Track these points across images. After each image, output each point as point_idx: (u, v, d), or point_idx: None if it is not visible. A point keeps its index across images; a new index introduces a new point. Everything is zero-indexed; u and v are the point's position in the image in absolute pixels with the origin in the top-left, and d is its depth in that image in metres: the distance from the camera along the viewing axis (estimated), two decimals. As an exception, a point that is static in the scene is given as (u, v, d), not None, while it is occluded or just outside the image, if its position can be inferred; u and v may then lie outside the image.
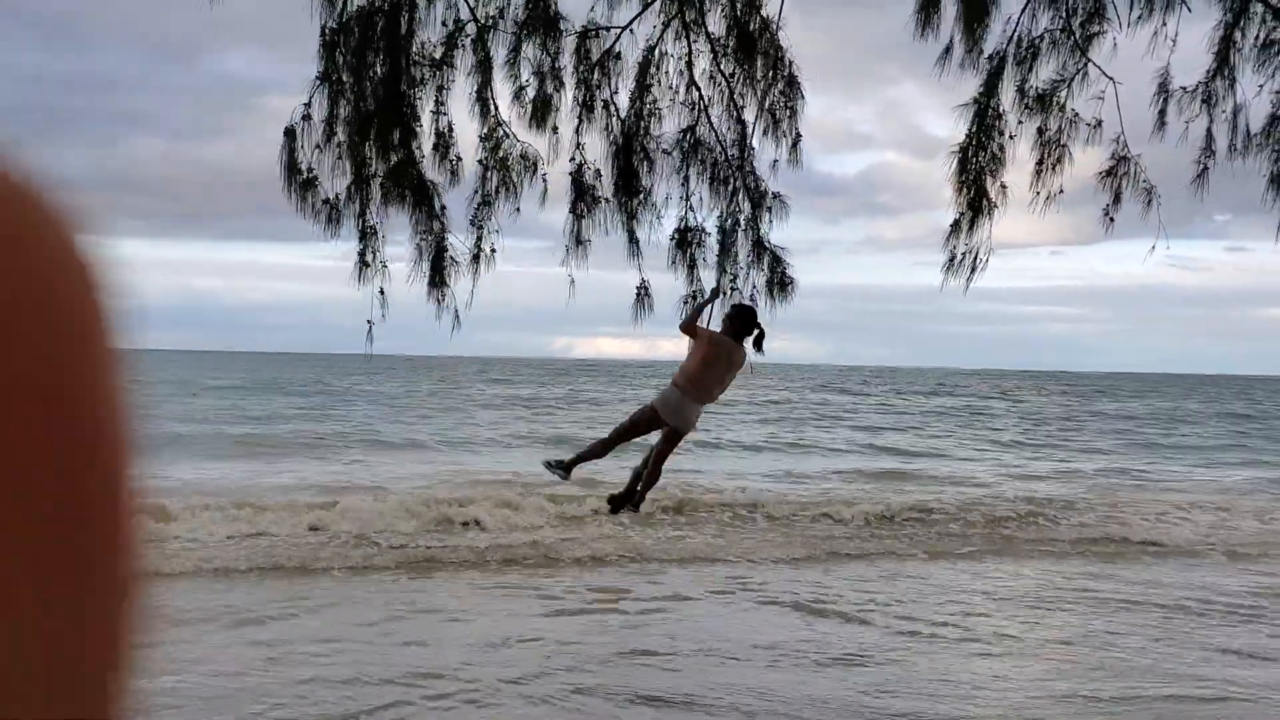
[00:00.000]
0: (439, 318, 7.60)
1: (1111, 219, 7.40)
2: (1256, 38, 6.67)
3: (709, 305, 8.66)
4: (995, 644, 11.69)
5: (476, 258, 7.56)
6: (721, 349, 9.12)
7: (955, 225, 7.89)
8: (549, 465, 10.31)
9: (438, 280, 7.51)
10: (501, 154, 7.52)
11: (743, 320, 8.97)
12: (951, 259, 7.95)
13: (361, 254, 7.44)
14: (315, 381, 58.37)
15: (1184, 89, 6.91)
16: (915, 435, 40.44)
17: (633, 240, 7.77)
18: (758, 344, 9.12)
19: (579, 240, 7.73)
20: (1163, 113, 7.02)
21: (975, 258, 7.91)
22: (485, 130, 7.49)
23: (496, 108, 7.47)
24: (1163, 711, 6.19)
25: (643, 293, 8.07)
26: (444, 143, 7.42)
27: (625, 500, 10.25)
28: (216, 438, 22.48)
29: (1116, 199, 7.37)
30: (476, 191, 7.55)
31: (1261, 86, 6.72)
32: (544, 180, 7.64)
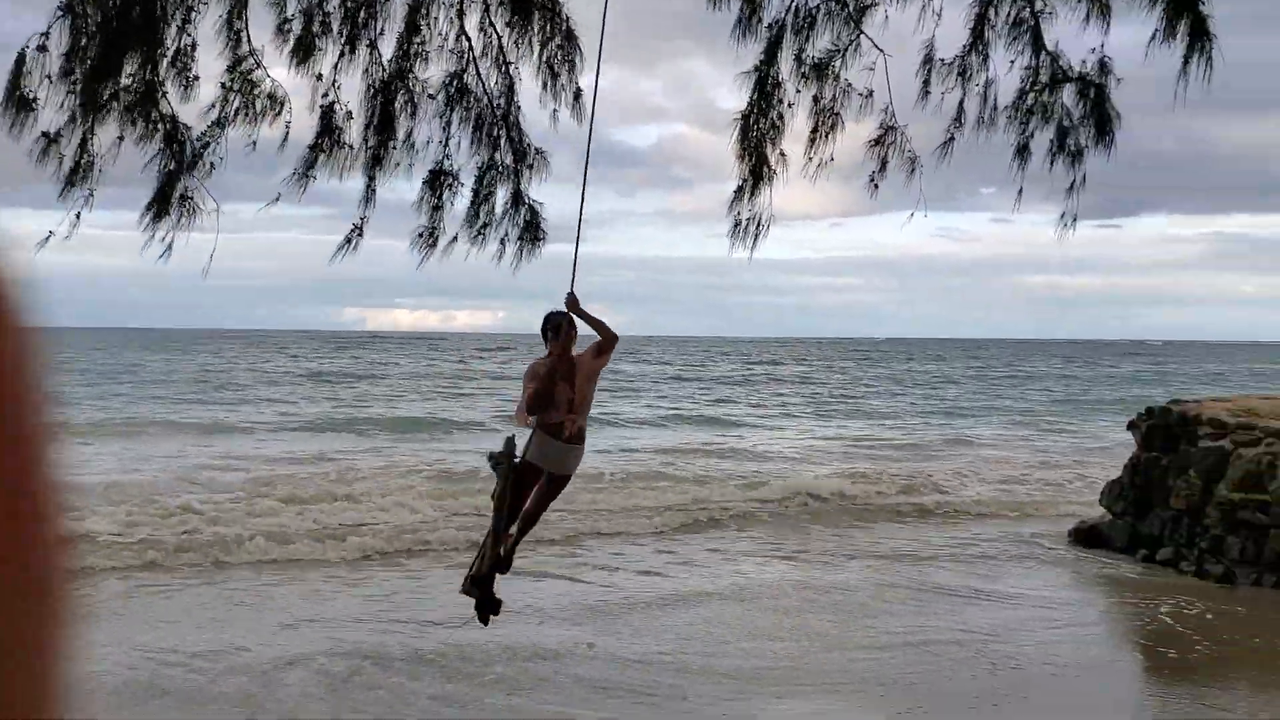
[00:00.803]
0: (164, 257, 7.25)
1: (876, 186, 7.74)
2: (1008, 16, 7.10)
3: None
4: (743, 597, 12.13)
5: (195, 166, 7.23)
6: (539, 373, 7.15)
7: (738, 192, 8.09)
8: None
9: (162, 210, 7.18)
10: (251, 83, 7.26)
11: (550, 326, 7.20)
12: (736, 225, 8.15)
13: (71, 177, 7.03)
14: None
15: (942, 61, 7.29)
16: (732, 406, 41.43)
17: (370, 185, 7.61)
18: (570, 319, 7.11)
19: (308, 174, 7.53)
20: (927, 83, 7.39)
21: (758, 224, 8.12)
22: (233, 61, 7.23)
23: (249, 38, 7.23)
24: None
25: (356, 231, 7.82)
26: (184, 69, 7.14)
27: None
28: None
29: (883, 167, 7.71)
30: (216, 124, 7.28)
31: (1013, 63, 7.17)
32: (286, 126, 7.40)
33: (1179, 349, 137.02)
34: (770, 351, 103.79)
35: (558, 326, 7.14)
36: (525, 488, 7.01)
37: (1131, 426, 16.33)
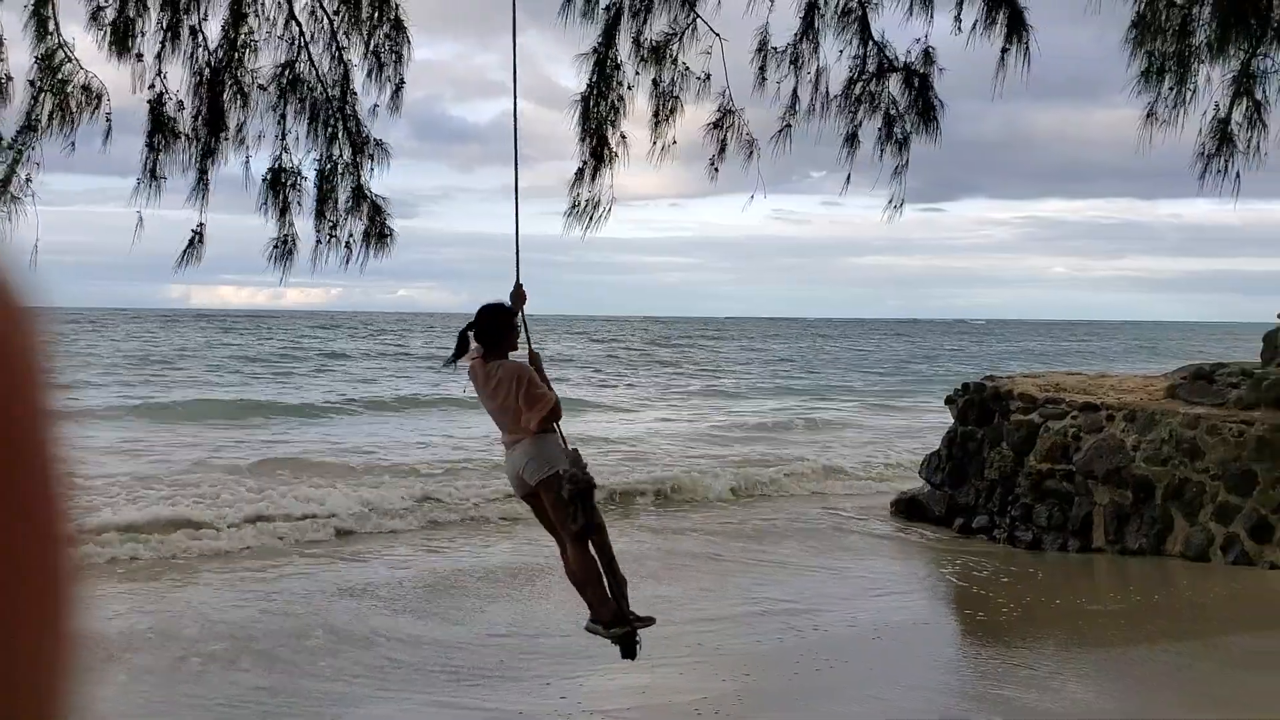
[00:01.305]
0: None
1: (716, 169, 7.94)
2: (837, 5, 7.38)
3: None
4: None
5: (5, 182, 6.94)
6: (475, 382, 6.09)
7: (579, 173, 8.17)
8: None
9: None
10: (62, 79, 6.96)
11: (482, 328, 5.99)
12: (575, 206, 8.22)
13: None
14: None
15: (775, 49, 7.53)
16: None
17: (202, 179, 7.40)
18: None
19: (154, 175, 7.30)
20: (762, 69, 7.61)
21: (598, 205, 8.22)
22: (43, 52, 6.92)
23: (58, 26, 6.93)
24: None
25: (196, 237, 7.60)
26: None
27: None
28: None
29: (722, 150, 7.91)
30: (28, 127, 6.96)
31: (841, 52, 7.45)
32: (108, 117, 7.14)
33: (998, 326, 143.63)
34: (614, 330, 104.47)
35: (490, 327, 5.91)
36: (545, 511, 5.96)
37: (948, 401, 17.10)
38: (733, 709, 7.89)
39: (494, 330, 5.88)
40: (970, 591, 12.48)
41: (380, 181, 7.84)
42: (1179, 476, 13.94)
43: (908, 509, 16.55)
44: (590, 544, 5.82)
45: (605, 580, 5.89)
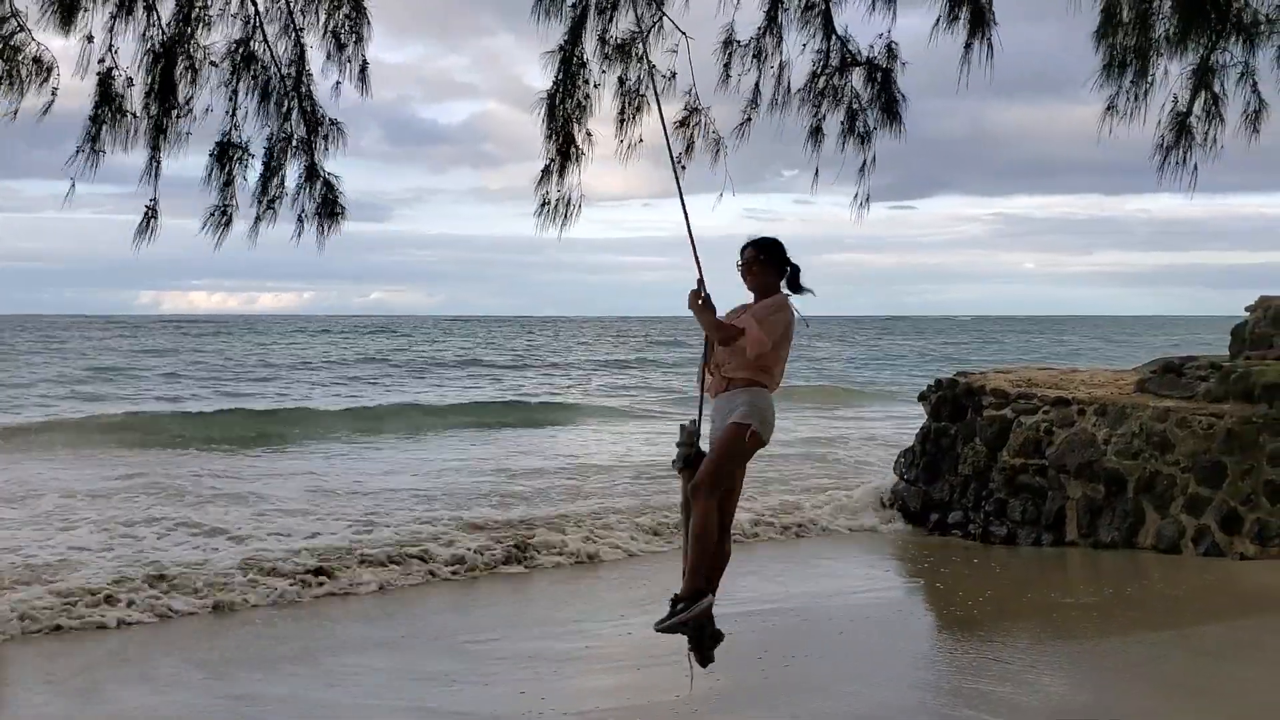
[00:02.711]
0: None
1: (684, 167, 7.93)
2: (800, 1, 7.40)
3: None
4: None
5: None
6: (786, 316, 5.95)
7: (546, 171, 8.15)
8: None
9: None
10: (14, 46, 6.86)
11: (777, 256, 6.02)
12: (544, 204, 8.20)
13: None
14: None
15: (738, 43, 7.54)
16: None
17: (154, 157, 7.32)
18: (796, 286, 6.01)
19: (94, 149, 7.19)
20: (727, 66, 7.62)
21: (568, 204, 8.19)
22: None
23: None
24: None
25: (150, 213, 7.50)
26: None
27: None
28: None
29: (689, 148, 7.90)
30: None
31: (804, 45, 7.47)
32: (53, 93, 7.03)
33: (985, 323, 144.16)
34: (585, 331, 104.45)
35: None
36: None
37: (922, 398, 17.16)
38: (713, 706, 7.88)
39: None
40: (944, 586, 12.52)
41: (343, 175, 7.79)
42: (1150, 469, 14.03)
43: (883, 505, 16.59)
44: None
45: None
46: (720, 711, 7.88)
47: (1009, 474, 15.19)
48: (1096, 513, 14.34)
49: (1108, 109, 7.42)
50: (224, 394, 36.59)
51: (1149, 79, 7.33)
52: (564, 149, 8.07)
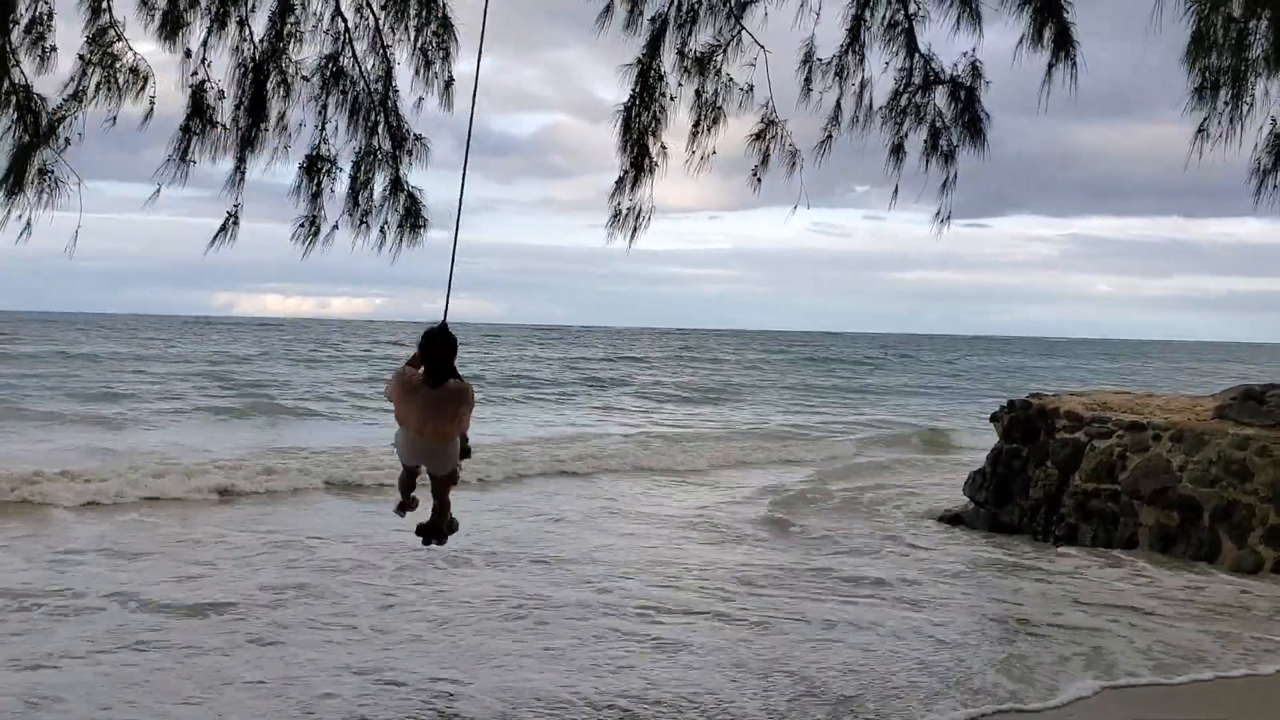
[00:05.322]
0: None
1: (759, 179, 7.89)
2: (883, 18, 7.33)
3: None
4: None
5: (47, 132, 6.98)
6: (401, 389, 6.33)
7: (619, 182, 8.16)
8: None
9: (17, 185, 6.94)
10: (112, 56, 7.03)
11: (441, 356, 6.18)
12: (616, 215, 8.21)
13: None
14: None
15: (820, 60, 7.49)
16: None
17: (239, 167, 7.44)
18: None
19: (184, 159, 7.33)
20: (808, 81, 7.58)
21: (638, 215, 8.20)
22: (94, 32, 7.01)
23: (111, 8, 7.02)
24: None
25: (231, 219, 7.61)
26: (40, 38, 6.91)
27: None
28: None
29: (765, 161, 7.86)
30: (73, 97, 7.05)
31: (887, 64, 7.40)
32: (151, 102, 7.19)
33: (1055, 345, 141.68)
34: (647, 342, 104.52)
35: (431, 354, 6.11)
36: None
37: (993, 419, 16.92)
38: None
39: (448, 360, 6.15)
40: (1014, 601, 12.31)
41: (425, 188, 7.89)
42: (1227, 498, 13.70)
43: (952, 525, 16.37)
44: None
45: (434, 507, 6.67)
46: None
47: (1081, 498, 14.92)
48: (1170, 540, 14.03)
49: (1199, 132, 7.25)
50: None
51: (1245, 100, 7.14)
52: (638, 161, 8.07)
